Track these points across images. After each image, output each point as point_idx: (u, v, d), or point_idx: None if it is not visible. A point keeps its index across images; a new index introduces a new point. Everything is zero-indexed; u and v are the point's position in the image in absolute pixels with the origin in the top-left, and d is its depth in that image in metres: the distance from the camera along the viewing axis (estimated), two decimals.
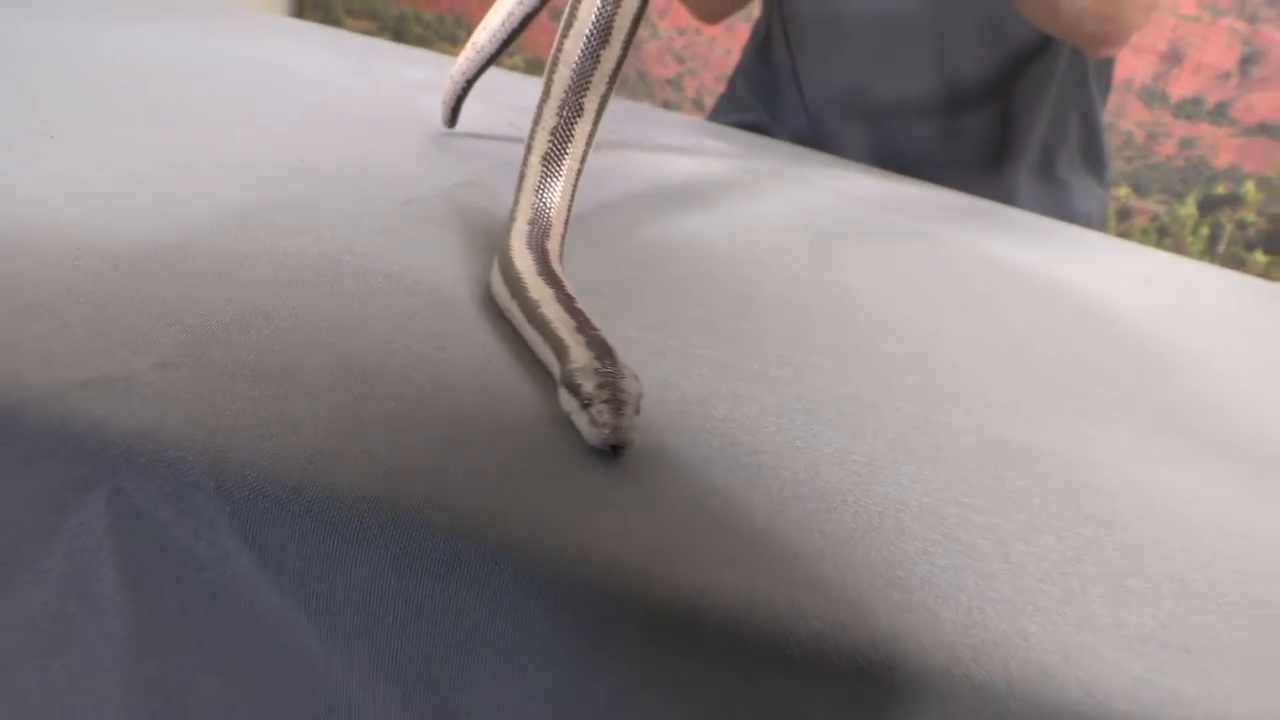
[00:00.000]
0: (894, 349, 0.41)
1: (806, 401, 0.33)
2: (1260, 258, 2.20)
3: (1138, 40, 2.10)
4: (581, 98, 0.39)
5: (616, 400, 0.24)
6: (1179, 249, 2.21)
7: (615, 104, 0.42)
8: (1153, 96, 2.16)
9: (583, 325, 0.28)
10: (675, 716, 0.21)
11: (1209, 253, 2.24)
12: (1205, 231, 2.24)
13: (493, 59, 0.56)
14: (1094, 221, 1.03)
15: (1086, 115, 1.05)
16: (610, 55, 0.39)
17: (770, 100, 1.08)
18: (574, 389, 0.25)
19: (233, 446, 0.22)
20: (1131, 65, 2.14)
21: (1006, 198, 0.96)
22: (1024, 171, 1.01)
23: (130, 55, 0.65)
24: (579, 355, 0.26)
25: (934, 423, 0.34)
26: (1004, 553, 0.26)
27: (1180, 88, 2.17)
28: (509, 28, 0.53)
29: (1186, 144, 2.20)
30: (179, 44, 0.73)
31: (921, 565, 0.24)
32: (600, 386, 0.25)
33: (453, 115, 0.61)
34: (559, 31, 0.40)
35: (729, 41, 2.06)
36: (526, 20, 0.53)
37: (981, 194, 0.92)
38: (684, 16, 1.08)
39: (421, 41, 2.28)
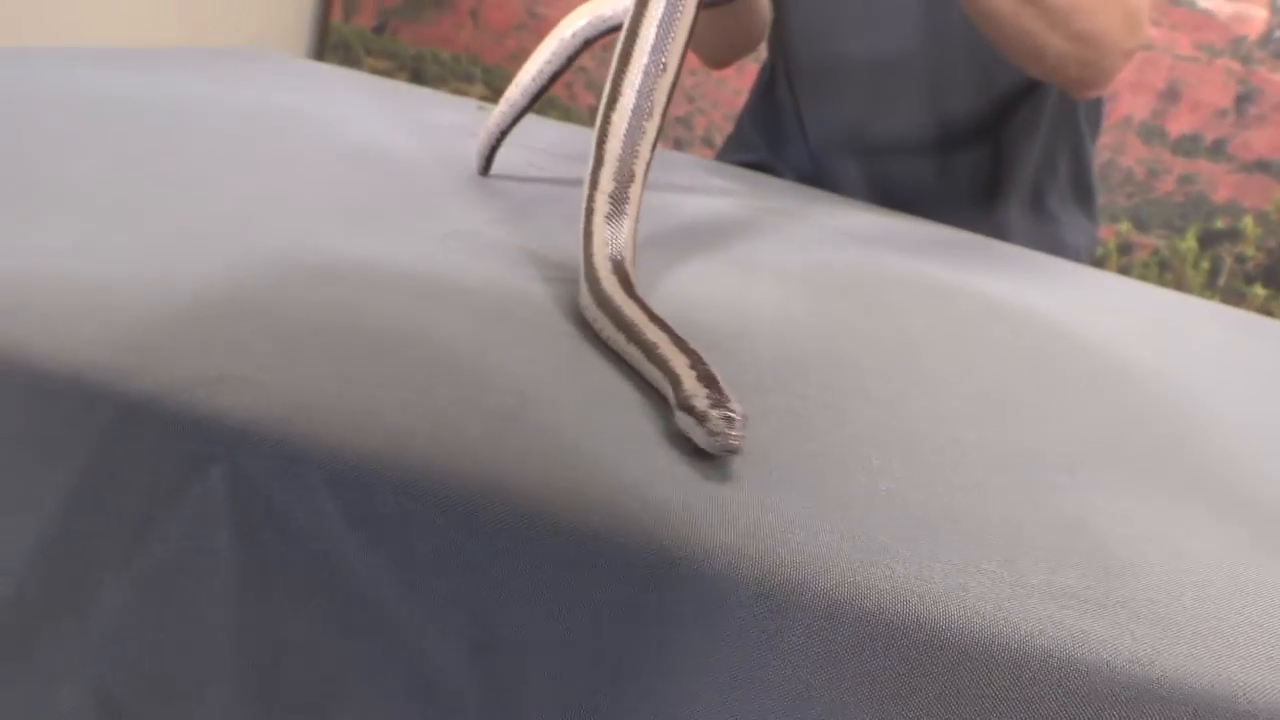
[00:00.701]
0: (875, 365, 0.46)
1: (794, 406, 0.38)
2: (1260, 291, 2.24)
3: (1136, 79, 2.16)
4: (631, 164, 0.46)
5: (728, 418, 0.31)
6: (1180, 283, 2.25)
7: None
8: (1151, 133, 2.21)
9: (695, 362, 0.35)
10: (675, 653, 0.26)
11: (1209, 286, 2.27)
12: (1206, 265, 2.26)
13: (525, 111, 0.62)
14: (1083, 254, 1.08)
15: (1076, 152, 1.10)
16: (652, 126, 0.47)
17: (775, 140, 1.14)
18: (689, 410, 0.32)
19: (326, 430, 0.27)
20: (1130, 103, 2.19)
21: (998, 232, 1.02)
22: (1015, 207, 1.06)
23: (185, 103, 0.71)
24: (692, 386, 0.33)
25: (905, 425, 0.39)
26: (955, 527, 0.31)
27: (1178, 125, 2.21)
28: (539, 83, 0.60)
29: (1186, 180, 2.23)
30: (225, 92, 0.80)
31: (881, 534, 0.30)
32: (713, 407, 0.31)
33: (487, 164, 0.67)
34: (604, 105, 0.47)
35: (738, 81, 2.13)
36: (555, 76, 0.60)
37: (974, 228, 0.97)
38: (693, 59, 1.14)
39: (438, 81, 2.35)
